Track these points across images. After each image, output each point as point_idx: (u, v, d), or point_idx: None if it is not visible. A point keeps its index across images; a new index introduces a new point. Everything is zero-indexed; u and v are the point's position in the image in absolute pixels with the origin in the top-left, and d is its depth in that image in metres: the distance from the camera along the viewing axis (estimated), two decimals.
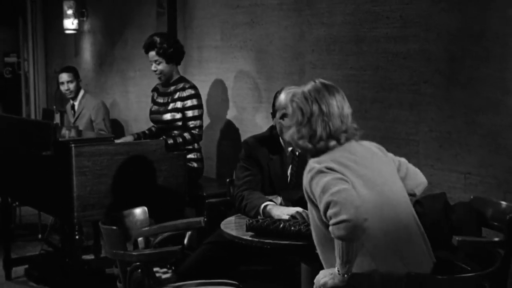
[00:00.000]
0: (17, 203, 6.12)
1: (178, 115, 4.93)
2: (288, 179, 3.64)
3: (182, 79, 5.06)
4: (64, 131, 4.99)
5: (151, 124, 5.19)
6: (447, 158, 3.90)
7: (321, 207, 2.57)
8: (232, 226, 3.30)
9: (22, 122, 5.35)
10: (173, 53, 5.01)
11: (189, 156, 4.90)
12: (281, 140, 3.65)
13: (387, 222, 2.69)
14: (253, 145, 3.71)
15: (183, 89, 4.96)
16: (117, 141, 4.74)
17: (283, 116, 3.52)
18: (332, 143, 2.76)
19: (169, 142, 4.74)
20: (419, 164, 4.04)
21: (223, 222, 3.36)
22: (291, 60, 4.90)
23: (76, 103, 6.28)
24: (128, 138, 5.03)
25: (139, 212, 3.53)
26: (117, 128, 6.80)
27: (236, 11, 5.40)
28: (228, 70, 5.52)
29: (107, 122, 6.22)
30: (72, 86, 6.20)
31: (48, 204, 4.57)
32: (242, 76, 5.38)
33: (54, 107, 6.82)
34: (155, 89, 5.23)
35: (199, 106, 4.97)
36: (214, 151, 5.74)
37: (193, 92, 4.97)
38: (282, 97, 3.58)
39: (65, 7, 7.50)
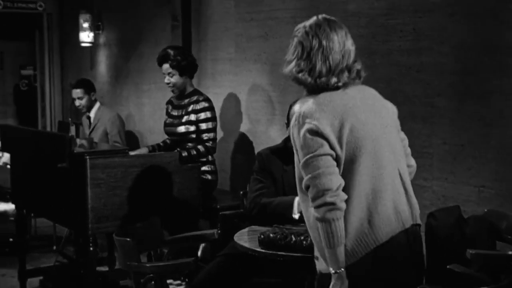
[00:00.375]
0: (32, 214, 6.16)
1: (192, 128, 4.95)
2: None
3: (196, 92, 5.09)
4: (79, 143, 5.03)
5: (166, 136, 5.22)
6: (461, 171, 3.89)
7: (302, 172, 2.55)
8: (245, 238, 3.31)
9: (37, 134, 5.39)
10: (186, 66, 5.04)
11: (203, 168, 4.92)
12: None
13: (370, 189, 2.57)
14: (267, 157, 3.73)
15: (197, 101, 4.99)
16: (131, 153, 4.77)
17: None
18: (333, 80, 2.63)
19: (183, 154, 4.76)
20: (433, 177, 4.04)
21: (236, 234, 3.38)
22: None
23: (92, 116, 6.33)
24: (142, 150, 5.06)
25: (153, 224, 3.55)
26: (132, 140, 6.84)
27: (250, 24, 5.43)
28: (242, 83, 5.55)
29: (122, 135, 6.26)
30: (83, 101, 6.25)
31: (63, 216, 4.60)
32: (256, 89, 5.40)
33: (70, 119, 6.88)
34: (169, 102, 5.26)
35: (213, 119, 4.99)
36: (228, 164, 5.76)
37: (206, 104, 4.99)
38: (297, 108, 3.58)
39: (81, 21, 7.58)
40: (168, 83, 5.05)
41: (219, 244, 3.82)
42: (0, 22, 8.25)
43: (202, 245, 3.83)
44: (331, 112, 2.56)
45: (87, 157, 4.22)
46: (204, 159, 4.98)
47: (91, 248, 4.30)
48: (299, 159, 2.57)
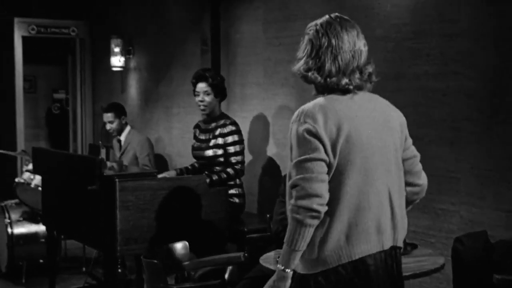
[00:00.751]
0: (62, 236, 6.23)
1: (220, 151, 4.99)
2: None
3: (223, 116, 5.15)
4: (109, 166, 5.09)
5: (194, 160, 5.27)
6: (488, 196, 3.87)
7: (292, 170, 2.49)
8: (271, 261, 3.32)
9: (68, 157, 5.48)
10: (222, 88, 5.13)
11: (231, 191, 4.96)
12: None
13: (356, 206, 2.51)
14: None
15: (224, 125, 5.03)
16: (160, 175, 4.82)
17: None
18: (345, 80, 2.55)
19: (214, 178, 4.80)
20: (460, 202, 4.02)
21: (262, 257, 3.39)
22: None
23: (122, 139, 6.41)
24: (171, 173, 5.12)
25: (180, 246, 3.59)
26: (161, 163, 6.91)
27: (278, 48, 5.49)
28: (269, 106, 5.59)
29: (151, 158, 6.33)
30: (114, 125, 6.34)
31: (92, 238, 4.66)
32: (283, 113, 5.44)
33: (100, 142, 6.95)
34: (196, 126, 5.32)
35: (240, 142, 5.04)
36: (256, 187, 5.78)
37: (234, 128, 5.04)
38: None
39: (113, 45, 7.69)
40: (201, 101, 5.07)
41: (246, 267, 3.84)
42: (33, 47, 8.40)
43: (229, 268, 3.85)
44: (332, 117, 2.49)
45: (117, 179, 4.28)
46: (232, 182, 5.02)
47: (120, 270, 4.34)
48: (291, 156, 2.52)
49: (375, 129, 2.55)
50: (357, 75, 2.57)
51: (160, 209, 4.36)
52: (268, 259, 3.37)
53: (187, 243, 3.60)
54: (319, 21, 2.63)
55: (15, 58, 8.02)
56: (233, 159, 4.98)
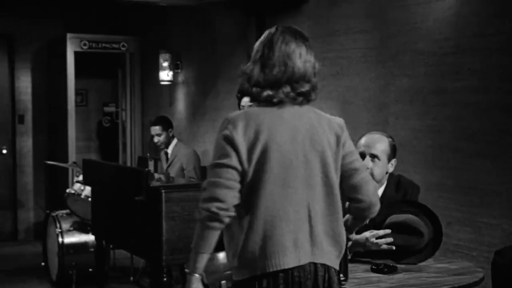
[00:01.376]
0: (111, 246, 6.36)
1: None
2: None
3: None
4: (157, 178, 5.21)
5: None
6: None
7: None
8: None
9: (117, 168, 5.61)
10: None
11: None
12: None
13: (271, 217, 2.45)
14: None
15: None
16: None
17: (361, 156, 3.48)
18: (266, 93, 2.48)
19: None
20: (502, 215, 4.02)
21: None
22: (375, 111, 4.99)
23: (169, 151, 6.54)
24: None
25: (222, 256, 3.66)
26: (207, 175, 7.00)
27: (323, 63, 5.47)
28: None
29: (197, 170, 6.44)
30: (161, 138, 6.48)
31: (139, 248, 4.76)
32: None
33: (148, 154, 7.10)
34: None
35: None
36: None
37: None
38: (363, 139, 3.62)
39: (161, 60, 7.84)
40: None
41: None
42: (85, 61, 8.62)
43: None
44: (253, 125, 2.45)
45: (163, 190, 4.38)
46: None
47: (165, 280, 4.43)
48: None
49: (298, 144, 2.48)
50: (286, 89, 2.49)
51: None
52: None
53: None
54: (270, 29, 2.58)
55: (67, 72, 8.22)
56: None
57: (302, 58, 2.51)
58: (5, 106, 8.64)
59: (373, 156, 3.50)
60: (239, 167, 2.44)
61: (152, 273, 5.42)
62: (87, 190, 6.04)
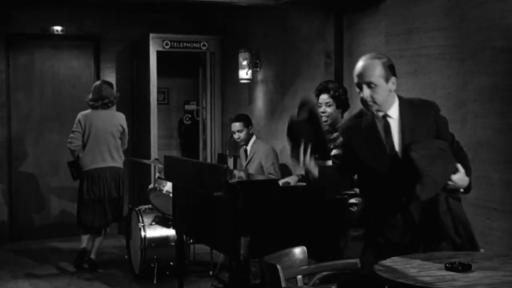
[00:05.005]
0: (191, 240, 6.53)
1: None
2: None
3: None
4: (237, 175, 5.33)
5: None
6: None
7: None
8: (385, 269, 3.40)
9: (197, 165, 5.75)
10: (345, 100, 5.26)
11: (351, 201, 5.05)
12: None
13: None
14: None
15: None
16: (281, 181, 5.00)
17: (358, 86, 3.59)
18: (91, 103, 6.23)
19: None
20: None
21: (377, 264, 3.47)
22: (453, 109, 4.95)
23: (248, 148, 6.66)
24: (292, 178, 5.28)
25: (298, 251, 3.74)
26: (286, 172, 7.08)
27: (401, 61, 5.54)
28: None
29: (276, 167, 6.53)
30: (242, 134, 6.60)
31: (218, 242, 4.88)
32: None
33: (227, 151, 7.24)
34: None
35: None
36: None
37: None
38: (355, 69, 3.62)
39: (241, 59, 7.96)
40: (323, 112, 5.22)
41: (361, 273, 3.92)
42: (167, 60, 8.84)
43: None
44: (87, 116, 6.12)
45: (240, 187, 4.49)
46: (352, 192, 5.11)
47: (243, 275, 4.53)
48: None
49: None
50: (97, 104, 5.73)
51: (280, 215, 4.53)
52: (382, 267, 3.44)
53: (305, 248, 3.74)
54: None
55: (150, 71, 8.45)
56: None
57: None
58: None
59: (369, 84, 3.54)
60: (81, 131, 6.54)
61: (231, 268, 5.54)
62: (169, 185, 6.21)
